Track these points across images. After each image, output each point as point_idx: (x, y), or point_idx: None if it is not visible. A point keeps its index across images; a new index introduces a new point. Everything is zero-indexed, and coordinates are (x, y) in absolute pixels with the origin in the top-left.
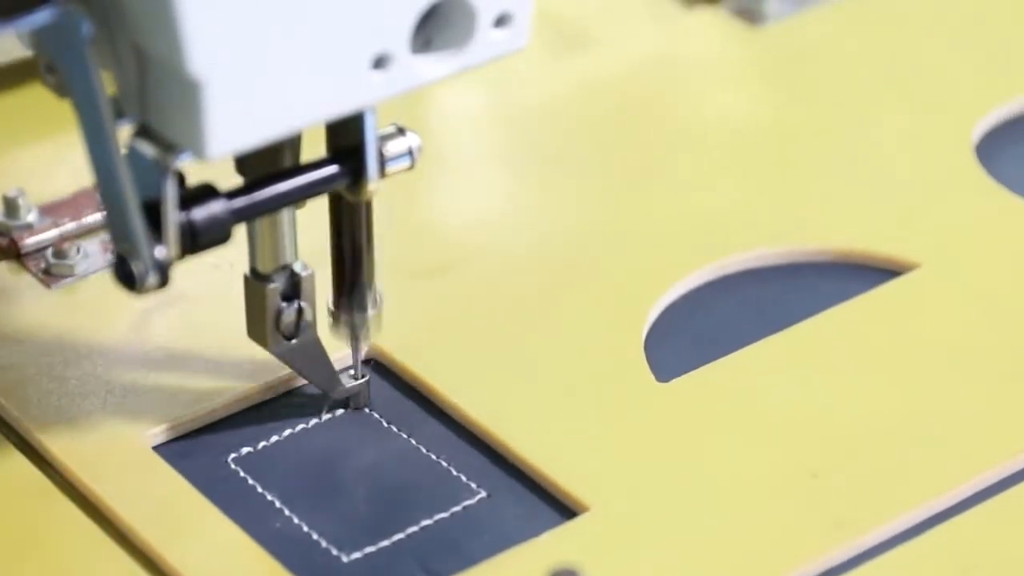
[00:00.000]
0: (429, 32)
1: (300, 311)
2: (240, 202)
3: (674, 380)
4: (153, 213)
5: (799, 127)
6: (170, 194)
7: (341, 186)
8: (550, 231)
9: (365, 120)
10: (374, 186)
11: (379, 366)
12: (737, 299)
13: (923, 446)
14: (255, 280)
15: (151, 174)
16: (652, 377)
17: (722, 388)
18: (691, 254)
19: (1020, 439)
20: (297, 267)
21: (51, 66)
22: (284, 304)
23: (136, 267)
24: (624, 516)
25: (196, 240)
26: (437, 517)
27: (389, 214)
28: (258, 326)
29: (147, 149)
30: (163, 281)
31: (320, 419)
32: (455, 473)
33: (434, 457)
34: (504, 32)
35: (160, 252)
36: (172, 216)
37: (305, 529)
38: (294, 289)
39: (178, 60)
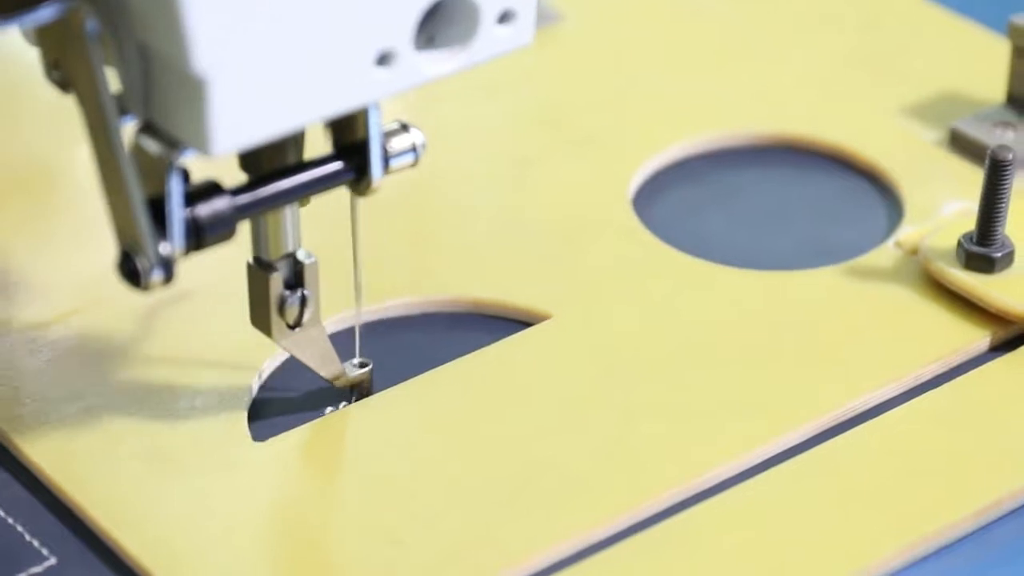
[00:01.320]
0: (432, 29)
1: (303, 299)
2: (244, 199)
3: (272, 439)
4: (158, 210)
5: (457, 174)
6: (175, 191)
7: (345, 182)
8: None
9: (369, 117)
10: (378, 183)
11: None
12: (370, 348)
13: (534, 497)
14: (258, 268)
15: (155, 171)
16: (249, 439)
17: (325, 445)
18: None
19: (629, 496)
20: (300, 255)
21: (55, 63)
22: (287, 292)
23: (141, 263)
24: None
25: (201, 236)
26: None
27: None
28: (261, 314)
29: (151, 146)
30: (168, 277)
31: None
32: (28, 538)
33: (10, 521)
34: (508, 29)
35: (165, 248)
36: (177, 213)
37: None
38: (297, 277)
39: (182, 57)
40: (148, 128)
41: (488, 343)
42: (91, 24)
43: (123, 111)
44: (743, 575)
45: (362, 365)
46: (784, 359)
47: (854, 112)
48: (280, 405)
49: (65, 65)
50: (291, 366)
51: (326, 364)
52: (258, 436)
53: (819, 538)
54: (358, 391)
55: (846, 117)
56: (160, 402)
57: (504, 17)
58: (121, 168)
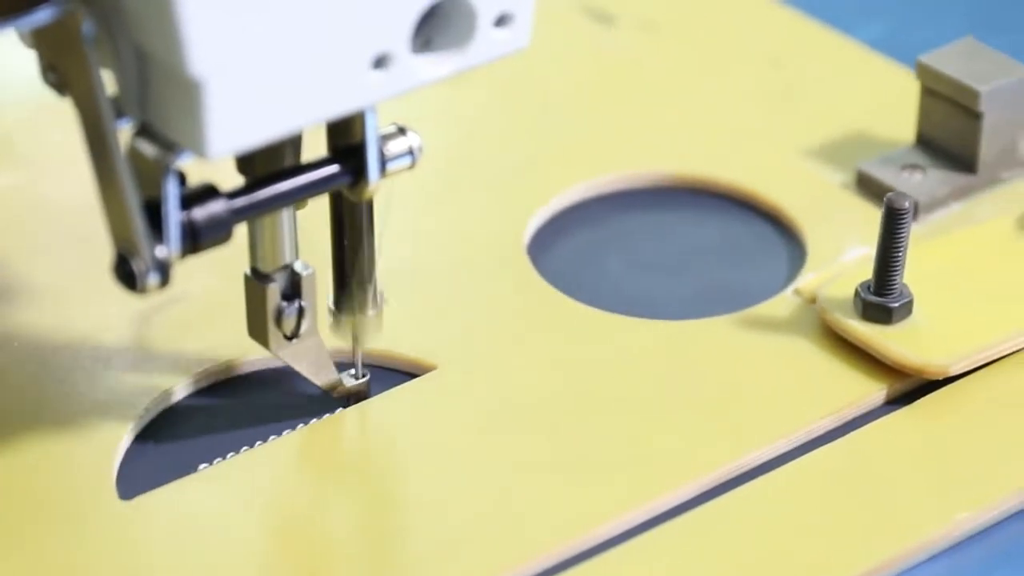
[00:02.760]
0: (429, 32)
1: (301, 311)
2: (241, 202)
3: (138, 497)
4: (154, 213)
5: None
6: (171, 194)
7: (342, 185)
8: None
9: (366, 119)
10: (375, 186)
11: None
12: (234, 405)
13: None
14: (256, 280)
15: (152, 174)
16: (116, 495)
17: (192, 506)
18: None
19: (513, 554)
20: (298, 266)
21: (51, 65)
22: (285, 304)
23: (137, 266)
24: None
25: (197, 240)
26: None
27: None
28: (259, 326)
29: (148, 149)
30: (164, 281)
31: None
32: None
33: None
34: (505, 32)
35: (161, 251)
36: (173, 216)
37: None
38: (295, 288)
39: (179, 60)
40: (144, 131)
41: (372, 395)
42: (87, 27)
43: (119, 114)
44: None
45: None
46: (677, 411)
47: (758, 152)
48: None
49: (61, 68)
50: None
51: (323, 374)
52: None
53: None
54: (355, 400)
55: (750, 157)
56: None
57: (501, 20)
58: (117, 171)
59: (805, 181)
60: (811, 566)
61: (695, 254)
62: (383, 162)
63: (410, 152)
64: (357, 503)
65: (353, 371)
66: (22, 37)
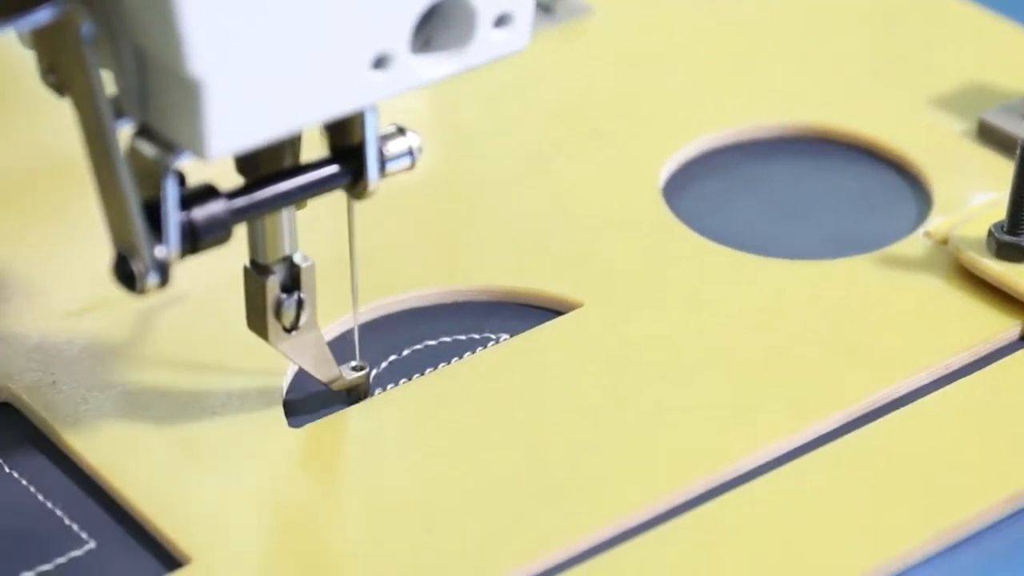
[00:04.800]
0: (429, 32)
1: (300, 303)
2: (240, 202)
3: (307, 426)
4: (153, 213)
5: (484, 167)
6: (170, 194)
7: (341, 186)
8: None
9: (366, 120)
10: (374, 186)
11: (9, 408)
12: (399, 337)
13: (566, 484)
14: (255, 272)
15: (151, 174)
16: (284, 423)
17: (355, 433)
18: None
19: (657, 486)
20: (297, 258)
21: (51, 66)
22: (284, 296)
23: (136, 267)
24: (225, 568)
25: (197, 240)
26: (40, 569)
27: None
28: (258, 318)
29: (147, 149)
30: (163, 281)
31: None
32: (67, 522)
33: (49, 505)
34: (504, 32)
35: (160, 252)
36: (173, 216)
37: None
38: (294, 280)
39: (178, 60)
40: (144, 131)
41: (521, 331)
42: (87, 27)
43: (119, 114)
44: (769, 564)
45: (359, 368)
46: (813, 349)
47: (882, 104)
48: (310, 402)
49: (61, 68)
50: None
51: (323, 367)
52: (292, 425)
53: (847, 527)
54: (355, 395)
55: (874, 109)
56: (193, 394)
57: (501, 20)
58: (117, 171)
59: (928, 130)
60: (951, 492)
61: (824, 201)
62: (383, 162)
63: (410, 152)
64: (510, 436)
65: (354, 363)
66: (22, 37)
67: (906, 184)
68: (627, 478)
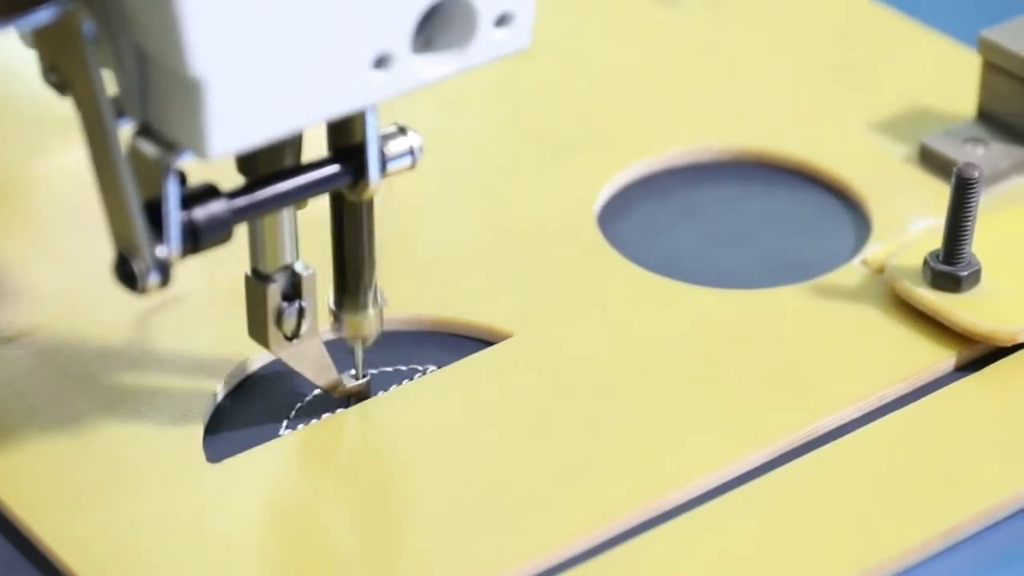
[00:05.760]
0: (430, 32)
1: (301, 311)
2: (241, 201)
3: (227, 460)
4: (154, 212)
5: (420, 189)
6: (171, 193)
7: (342, 185)
8: None
9: (366, 119)
10: (375, 185)
11: None
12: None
13: (495, 518)
14: (256, 280)
15: (152, 173)
16: (203, 458)
17: (272, 469)
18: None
19: (592, 515)
20: (298, 267)
21: (52, 65)
22: (285, 304)
23: (137, 266)
24: None
25: (197, 239)
26: None
27: None
28: (259, 326)
29: (148, 148)
30: (164, 281)
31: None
32: None
33: None
34: (505, 32)
35: (161, 251)
36: (173, 215)
37: None
38: (295, 289)
39: (179, 60)
40: (145, 131)
41: (448, 363)
42: (88, 26)
43: (120, 113)
44: None
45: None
46: (748, 378)
47: (822, 127)
48: (238, 420)
49: (62, 67)
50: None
51: (323, 374)
52: (213, 456)
53: (783, 557)
54: (356, 400)
55: (814, 132)
56: (113, 419)
57: (502, 20)
58: (118, 171)
59: (868, 155)
60: (880, 530)
61: (762, 226)
62: (383, 162)
63: (410, 152)
64: (442, 466)
65: (353, 371)
66: (23, 37)
67: (846, 209)
68: (563, 508)
